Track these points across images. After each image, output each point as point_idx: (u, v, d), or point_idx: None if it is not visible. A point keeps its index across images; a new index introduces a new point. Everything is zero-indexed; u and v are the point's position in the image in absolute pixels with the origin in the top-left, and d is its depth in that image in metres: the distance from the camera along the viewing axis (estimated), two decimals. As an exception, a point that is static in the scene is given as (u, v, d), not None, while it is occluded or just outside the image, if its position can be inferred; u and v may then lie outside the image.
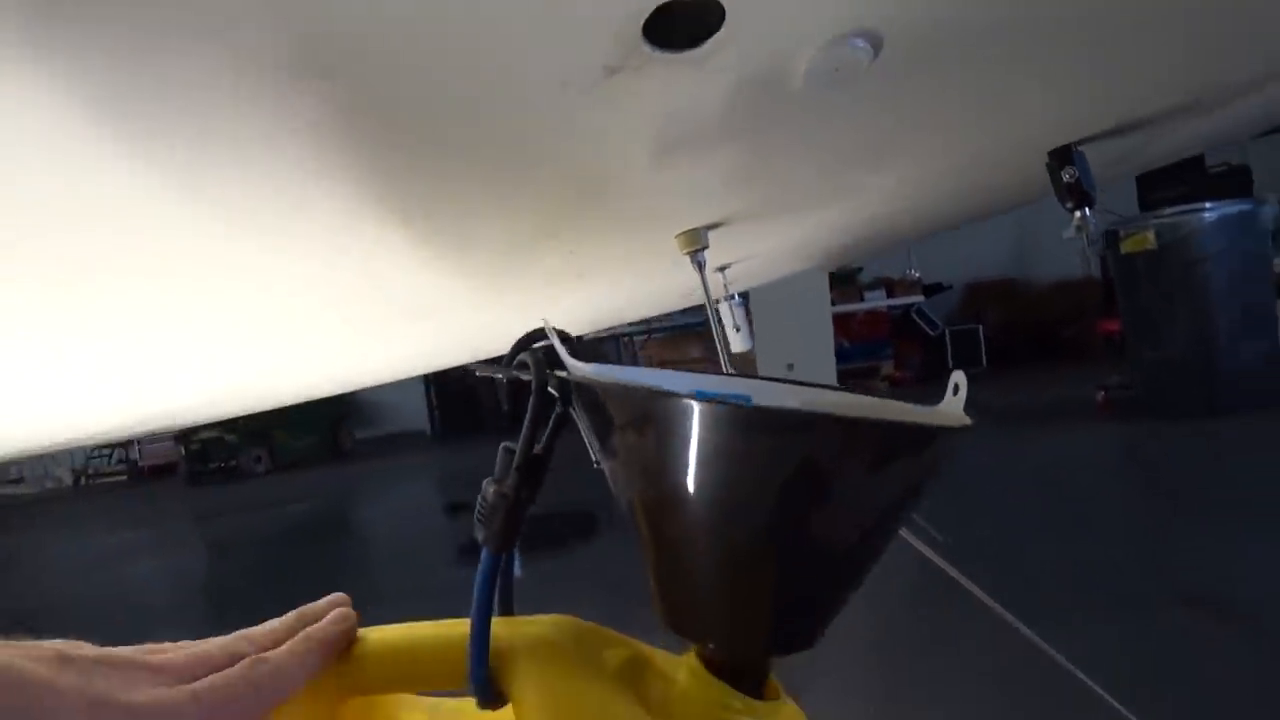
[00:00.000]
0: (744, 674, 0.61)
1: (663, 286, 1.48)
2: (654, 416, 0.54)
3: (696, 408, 0.52)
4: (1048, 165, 1.21)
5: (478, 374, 0.65)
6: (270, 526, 6.68)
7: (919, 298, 10.46)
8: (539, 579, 3.88)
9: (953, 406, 0.60)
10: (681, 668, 0.63)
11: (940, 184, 1.28)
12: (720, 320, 1.23)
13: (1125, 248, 5.45)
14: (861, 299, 10.24)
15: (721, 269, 1.39)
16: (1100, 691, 1.48)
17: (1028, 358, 10.10)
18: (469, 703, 0.80)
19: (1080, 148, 1.20)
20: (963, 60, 0.84)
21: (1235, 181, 7.24)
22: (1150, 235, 5.23)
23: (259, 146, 0.63)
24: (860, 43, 0.69)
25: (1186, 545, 3.12)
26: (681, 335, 10.35)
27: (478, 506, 0.61)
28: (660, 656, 0.69)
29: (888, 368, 10.27)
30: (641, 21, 0.58)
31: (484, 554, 0.60)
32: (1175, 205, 5.47)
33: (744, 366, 3.53)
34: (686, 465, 0.54)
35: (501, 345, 0.72)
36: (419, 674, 0.68)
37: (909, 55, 0.74)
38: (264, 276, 0.88)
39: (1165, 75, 1.12)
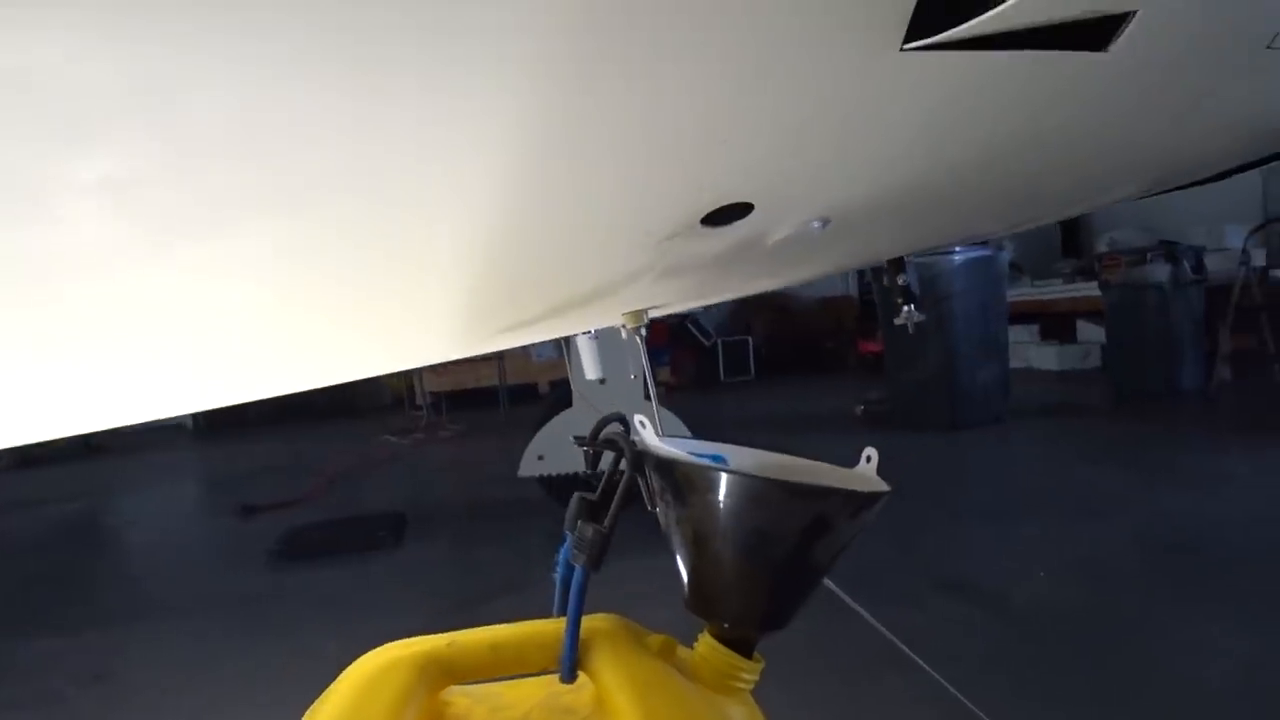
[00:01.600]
0: (743, 645, 0.93)
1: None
2: (714, 483, 0.86)
3: (743, 480, 0.84)
4: (884, 271, 1.61)
5: (577, 444, 0.93)
6: (27, 531, 6.22)
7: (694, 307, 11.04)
8: (357, 583, 3.99)
9: (867, 471, 0.96)
10: (699, 644, 0.95)
11: (811, 276, 1.67)
12: (650, 374, 1.55)
13: (886, 280, 6.19)
14: (642, 309, 10.69)
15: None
16: (924, 666, 1.89)
17: (793, 368, 10.95)
18: (502, 685, 1.07)
19: (909, 259, 1.61)
20: (860, 225, 1.20)
21: (974, 224, 8.30)
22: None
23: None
24: (817, 224, 1.03)
25: (938, 540, 3.70)
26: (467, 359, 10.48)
27: (574, 541, 0.90)
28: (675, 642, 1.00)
29: (665, 374, 10.81)
30: (703, 215, 0.90)
31: (579, 572, 0.89)
32: (929, 249, 6.25)
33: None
34: (728, 513, 0.86)
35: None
36: (507, 663, 0.96)
37: (838, 227, 1.10)
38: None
39: (965, 226, 1.56)
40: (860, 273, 10.69)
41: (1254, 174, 8.90)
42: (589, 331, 2.55)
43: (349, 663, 0.95)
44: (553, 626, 0.94)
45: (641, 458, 0.91)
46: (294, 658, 2.98)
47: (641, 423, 0.91)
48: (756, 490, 0.84)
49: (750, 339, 11.26)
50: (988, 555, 3.45)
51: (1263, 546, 3.32)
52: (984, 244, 6.60)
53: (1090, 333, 8.70)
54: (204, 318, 0.90)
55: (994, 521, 3.91)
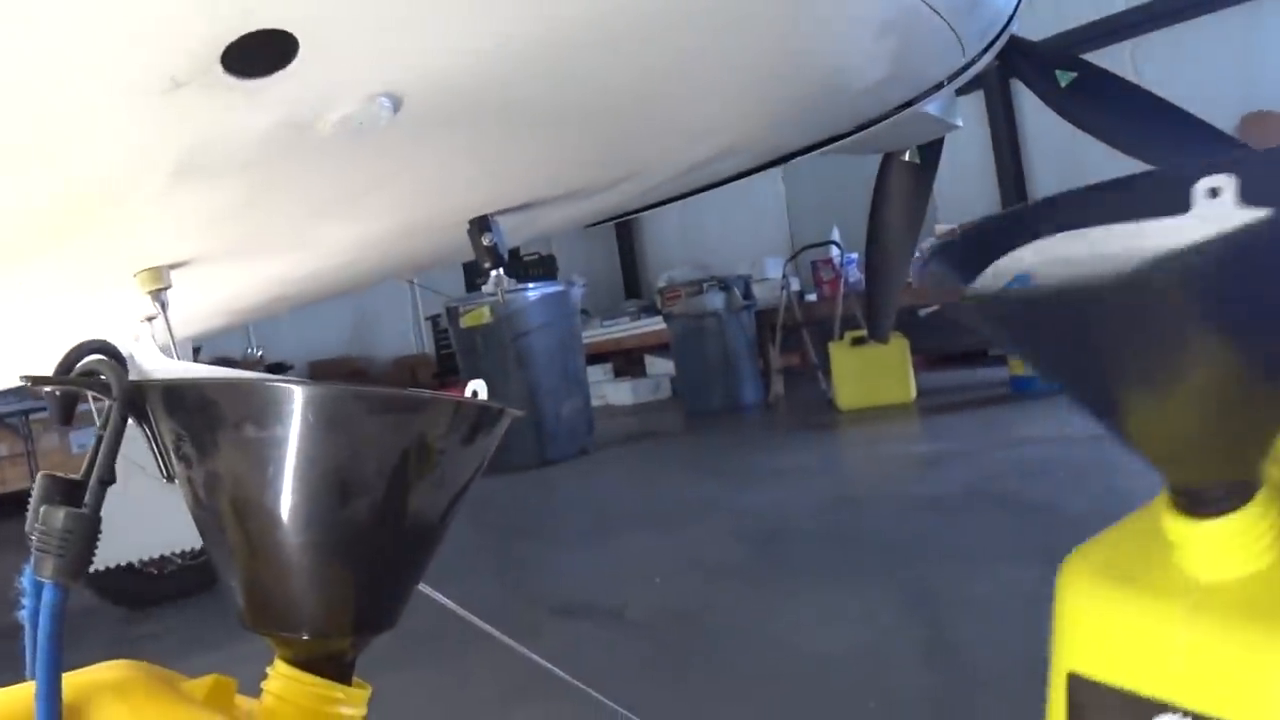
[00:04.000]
0: (334, 665, 0.64)
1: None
2: (265, 408, 0.56)
3: (312, 395, 0.56)
4: (469, 230, 1.39)
5: (32, 386, 0.59)
6: None
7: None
8: None
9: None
10: (272, 677, 0.64)
11: (383, 242, 1.40)
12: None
13: (465, 322, 6.05)
14: (202, 381, 9.73)
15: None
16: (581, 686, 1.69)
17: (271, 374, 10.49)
18: None
19: (495, 218, 1.40)
20: (436, 130, 0.96)
21: (545, 267, 8.48)
22: (486, 311, 5.88)
23: None
24: (386, 101, 0.78)
25: (544, 572, 3.57)
26: (-16, 431, 8.80)
27: (38, 538, 0.56)
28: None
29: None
30: (222, 47, 0.61)
31: (51, 591, 0.56)
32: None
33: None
34: (299, 455, 0.57)
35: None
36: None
37: (409, 123, 0.85)
38: None
39: (554, 172, 1.40)
40: (435, 326, 10.52)
41: (781, 212, 10.03)
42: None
43: None
44: (16, 696, 0.59)
45: (140, 392, 0.58)
46: None
47: (135, 337, 0.60)
48: (330, 406, 0.56)
49: (326, 405, 10.63)
50: (597, 576, 3.35)
51: (831, 523, 3.62)
52: (555, 280, 6.71)
53: (659, 366, 9.19)
54: None
55: (596, 544, 3.84)
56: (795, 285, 7.63)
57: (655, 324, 8.71)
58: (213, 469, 0.59)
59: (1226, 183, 0.59)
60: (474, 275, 7.86)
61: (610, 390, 9.25)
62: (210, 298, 1.39)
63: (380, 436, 0.58)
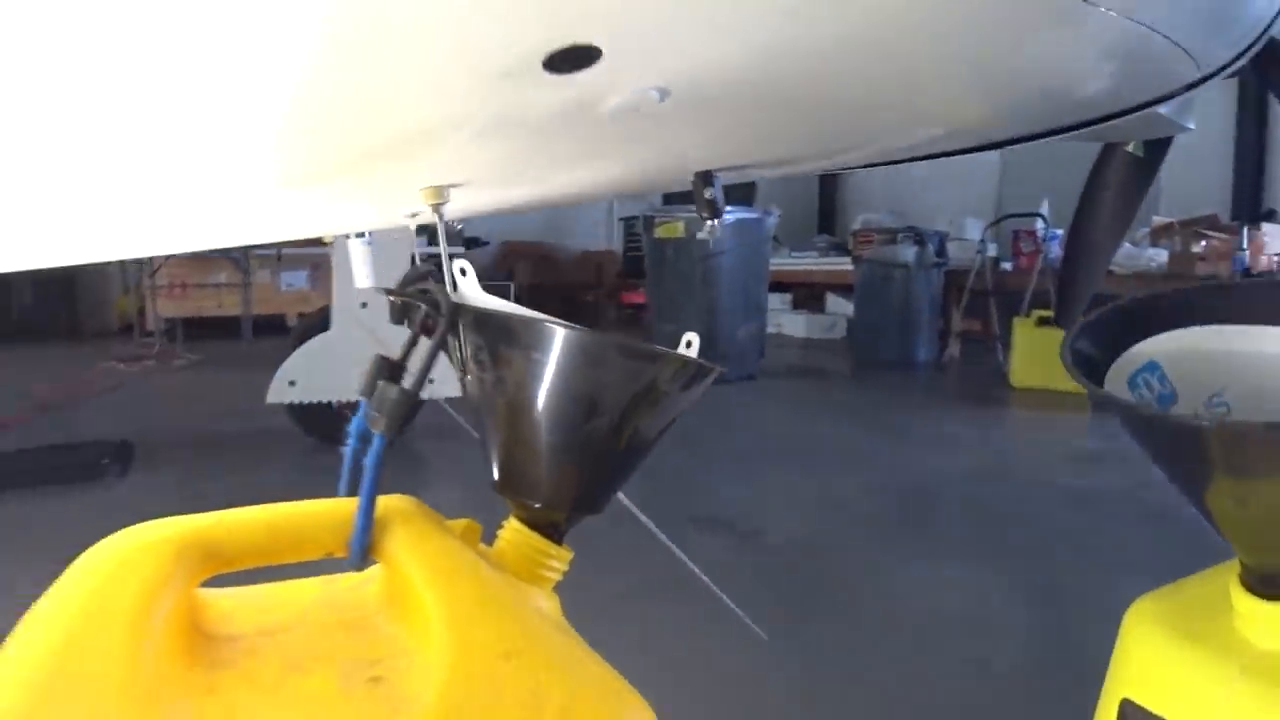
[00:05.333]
0: (552, 530, 0.86)
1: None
2: (545, 341, 0.77)
3: (579, 338, 0.77)
4: (694, 182, 1.57)
5: (386, 295, 0.82)
6: None
7: (459, 249, 10.86)
8: (71, 518, 3.58)
9: (690, 354, 0.91)
10: (505, 529, 0.87)
11: (613, 182, 1.61)
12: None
13: (659, 233, 6.27)
14: (407, 245, 10.37)
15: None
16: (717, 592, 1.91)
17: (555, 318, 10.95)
18: (269, 586, 0.93)
19: (718, 173, 1.57)
20: (690, 111, 1.14)
21: (743, 192, 8.57)
22: (681, 225, 6.08)
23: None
24: (655, 93, 0.96)
25: (698, 483, 3.80)
26: (207, 259, 9.77)
27: (374, 403, 0.79)
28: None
29: (425, 314, 10.51)
30: (545, 54, 0.81)
31: (378, 440, 0.78)
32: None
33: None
34: (556, 376, 0.78)
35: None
36: (285, 547, 0.83)
37: (671, 108, 1.03)
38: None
39: (778, 145, 1.55)
40: (629, 227, 10.79)
41: (993, 175, 9.73)
42: (364, 235, 2.38)
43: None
44: (339, 507, 0.83)
45: (459, 311, 0.80)
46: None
47: (463, 270, 0.81)
48: (592, 349, 0.77)
49: (513, 284, 11.16)
50: (741, 498, 3.56)
51: (974, 497, 3.70)
52: (752, 206, 6.82)
53: (838, 305, 9.20)
54: None
55: (745, 468, 4.05)
56: (992, 251, 7.47)
57: (842, 263, 8.70)
58: (498, 376, 0.81)
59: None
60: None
61: (786, 320, 9.35)
62: (459, 204, 1.64)
63: (623, 375, 0.78)
